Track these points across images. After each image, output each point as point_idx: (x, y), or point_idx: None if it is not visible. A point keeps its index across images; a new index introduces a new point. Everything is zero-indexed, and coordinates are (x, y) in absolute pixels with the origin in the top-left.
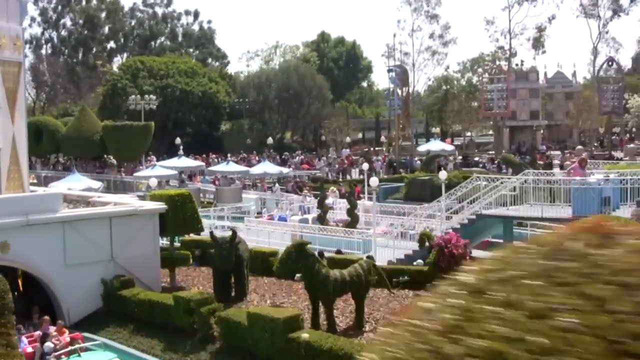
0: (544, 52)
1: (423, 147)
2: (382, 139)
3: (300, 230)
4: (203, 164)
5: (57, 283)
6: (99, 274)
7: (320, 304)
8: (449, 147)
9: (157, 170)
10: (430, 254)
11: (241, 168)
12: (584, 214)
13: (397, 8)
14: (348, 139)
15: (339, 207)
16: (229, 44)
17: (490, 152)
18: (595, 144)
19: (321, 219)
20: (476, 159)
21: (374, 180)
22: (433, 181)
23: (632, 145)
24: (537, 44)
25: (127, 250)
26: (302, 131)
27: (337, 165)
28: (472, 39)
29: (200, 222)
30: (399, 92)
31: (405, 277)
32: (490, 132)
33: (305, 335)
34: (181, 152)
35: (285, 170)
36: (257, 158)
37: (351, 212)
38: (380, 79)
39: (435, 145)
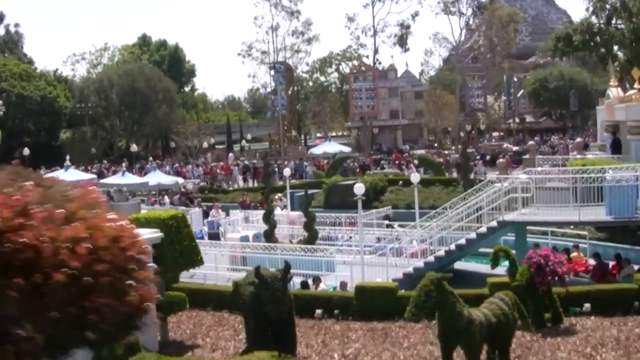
0: (407, 49)
1: (318, 150)
2: (243, 142)
3: (242, 250)
4: (95, 176)
5: None
6: None
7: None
8: (346, 149)
9: None
10: (519, 273)
11: (140, 180)
12: (621, 215)
13: (254, 4)
14: (205, 144)
15: (279, 220)
16: (43, 48)
17: (360, 155)
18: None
19: (268, 236)
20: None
21: (360, 187)
22: None
23: (489, 143)
24: (401, 41)
25: None
26: (147, 138)
27: (223, 173)
28: (334, 37)
29: (199, 253)
30: (282, 90)
31: None
32: (334, 133)
33: None
34: (68, 162)
35: (180, 180)
36: (119, 168)
37: (309, 225)
38: (205, 83)
39: (332, 147)
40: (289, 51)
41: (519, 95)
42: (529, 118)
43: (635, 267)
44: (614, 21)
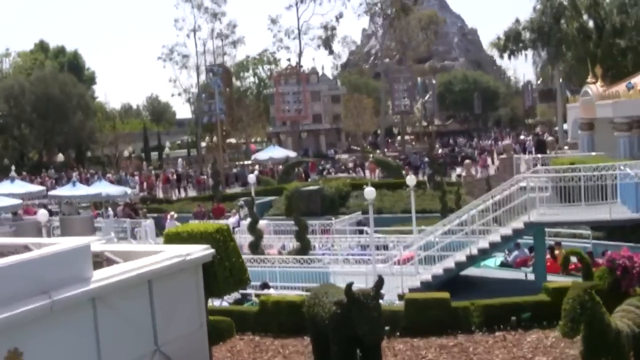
0: (332, 52)
1: (262, 155)
2: (167, 150)
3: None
4: (43, 188)
5: None
6: None
7: None
8: (292, 153)
9: None
10: (597, 276)
11: (93, 191)
12: None
13: (175, 5)
14: (126, 153)
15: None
16: None
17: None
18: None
19: (254, 247)
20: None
21: (370, 191)
22: (324, 192)
23: (412, 146)
24: (327, 43)
25: (171, 329)
26: (59, 148)
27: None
28: (258, 40)
29: (247, 271)
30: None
31: (528, 314)
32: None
33: None
34: (13, 173)
35: (129, 191)
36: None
37: (301, 235)
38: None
39: (277, 152)
40: (212, 55)
41: (426, 98)
42: (435, 121)
43: None
44: (563, 20)
